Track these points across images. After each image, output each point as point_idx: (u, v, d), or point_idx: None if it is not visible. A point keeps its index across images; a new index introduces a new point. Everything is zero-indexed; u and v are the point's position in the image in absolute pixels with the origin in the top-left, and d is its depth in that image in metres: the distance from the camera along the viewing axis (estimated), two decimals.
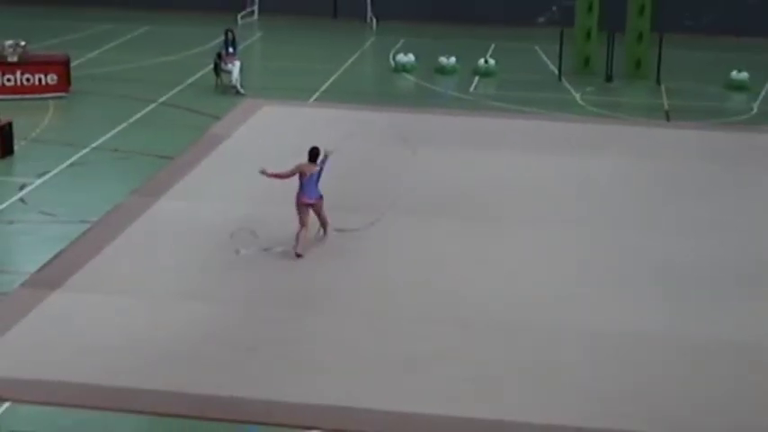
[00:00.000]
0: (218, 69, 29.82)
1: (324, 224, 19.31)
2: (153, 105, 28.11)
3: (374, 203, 20.40)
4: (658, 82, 31.55)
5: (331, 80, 31.42)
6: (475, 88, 31.14)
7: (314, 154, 19.06)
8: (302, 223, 18.86)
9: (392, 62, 33.40)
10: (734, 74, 31.56)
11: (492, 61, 32.65)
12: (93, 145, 24.59)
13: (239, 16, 39.27)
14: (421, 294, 17.37)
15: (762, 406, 14.44)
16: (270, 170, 19.03)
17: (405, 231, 19.71)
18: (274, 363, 15.15)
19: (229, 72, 29.53)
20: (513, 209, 21.06)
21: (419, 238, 19.48)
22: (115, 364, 14.96)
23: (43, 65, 28.59)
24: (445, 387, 14.63)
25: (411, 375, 14.90)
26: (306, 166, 18.97)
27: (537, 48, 35.54)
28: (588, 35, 32.67)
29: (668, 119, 28.41)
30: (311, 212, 19.04)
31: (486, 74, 32.28)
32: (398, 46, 35.29)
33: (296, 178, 18.96)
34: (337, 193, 20.55)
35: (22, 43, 28.80)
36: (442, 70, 32.48)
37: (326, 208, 19.25)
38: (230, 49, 29.83)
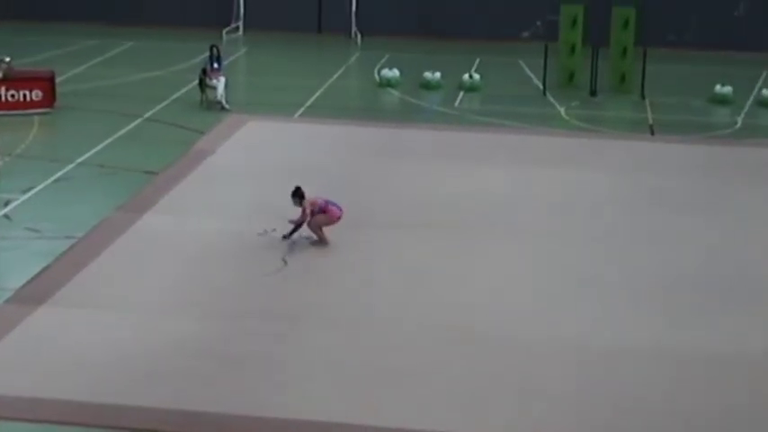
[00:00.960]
0: (203, 85, 29.82)
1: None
2: (138, 121, 28.10)
3: (358, 217, 20.39)
4: (642, 96, 31.66)
5: (316, 95, 31.46)
6: (460, 103, 31.21)
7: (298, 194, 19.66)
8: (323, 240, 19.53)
9: (377, 77, 33.45)
10: (718, 88, 31.68)
11: (477, 76, 32.72)
12: (79, 160, 24.56)
13: (224, 32, 39.29)
14: (405, 309, 17.36)
15: (752, 420, 14.46)
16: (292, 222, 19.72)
17: (389, 245, 19.72)
18: (260, 378, 15.12)
19: (214, 87, 29.53)
20: (498, 223, 21.08)
21: (403, 252, 19.48)
22: (101, 380, 14.91)
23: (28, 81, 28.56)
24: (430, 402, 14.60)
25: (396, 390, 14.88)
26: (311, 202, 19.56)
27: (521, 62, 35.64)
28: (573, 50, 32.78)
29: (653, 133, 28.50)
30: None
31: (470, 88, 32.35)
32: (383, 61, 35.35)
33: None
34: None
35: (7, 59, 28.76)
36: (427, 85, 32.54)
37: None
38: (215, 65, 29.85)
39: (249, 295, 17.75)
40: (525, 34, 39.00)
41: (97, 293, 17.64)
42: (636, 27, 32.50)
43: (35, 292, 17.54)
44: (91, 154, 25.06)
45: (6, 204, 21.75)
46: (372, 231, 20.26)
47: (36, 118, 27.97)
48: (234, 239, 19.85)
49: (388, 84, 32.71)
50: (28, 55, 33.65)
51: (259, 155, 24.88)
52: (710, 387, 15.21)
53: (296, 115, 29.27)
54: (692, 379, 15.40)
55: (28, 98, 28.38)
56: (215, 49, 30.12)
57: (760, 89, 32.20)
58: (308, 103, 30.58)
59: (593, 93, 32.00)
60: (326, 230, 19.62)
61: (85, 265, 18.61)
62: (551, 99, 31.51)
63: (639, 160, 25.35)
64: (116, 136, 26.63)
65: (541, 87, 32.28)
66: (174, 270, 18.64)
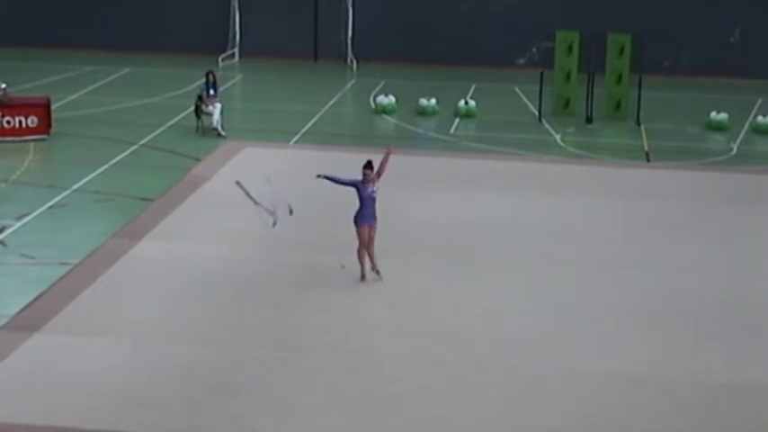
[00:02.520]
0: (198, 111, 29.85)
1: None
2: (134, 147, 28.10)
3: (353, 244, 20.36)
4: (638, 123, 31.70)
5: (312, 122, 31.48)
6: (455, 129, 31.23)
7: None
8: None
9: (373, 104, 33.48)
10: (713, 114, 31.74)
11: (472, 102, 32.76)
12: (74, 187, 24.55)
13: (220, 58, 39.34)
14: (402, 335, 17.32)
15: None
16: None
17: (385, 272, 19.66)
18: (254, 405, 15.07)
19: (210, 114, 29.56)
20: (493, 249, 21.05)
21: (399, 278, 19.43)
22: (96, 407, 14.86)
23: (24, 107, 28.58)
24: (428, 428, 14.56)
25: (394, 416, 14.84)
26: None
27: (517, 89, 35.69)
28: (568, 76, 32.83)
29: (648, 159, 28.52)
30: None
31: (466, 115, 32.39)
32: (379, 88, 35.40)
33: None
34: (315, 234, 20.59)
35: (3, 85, 28.81)
36: (423, 112, 32.58)
37: (304, 248, 19.18)
38: (211, 92, 29.88)
39: (244, 323, 17.70)
40: (521, 61, 39.08)
41: (92, 320, 17.59)
42: (631, 54, 32.56)
43: (30, 319, 17.48)
44: (86, 180, 25.05)
45: (1, 230, 21.73)
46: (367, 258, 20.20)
47: (32, 144, 27.97)
48: (230, 266, 19.80)
49: (383, 110, 32.74)
50: (24, 81, 33.69)
51: (255, 181, 24.81)
52: (707, 415, 15.17)
53: (292, 142, 29.29)
54: (689, 407, 15.36)
55: (24, 124, 28.39)
56: (211, 76, 30.15)
57: (755, 116, 32.25)
58: (304, 129, 30.60)
59: (588, 119, 32.04)
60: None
61: (80, 292, 18.56)
62: (547, 126, 31.54)
63: (635, 187, 25.34)
64: (112, 162, 26.63)
65: (537, 114, 32.31)
66: (169, 297, 18.60)
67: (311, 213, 22.23)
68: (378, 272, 19.18)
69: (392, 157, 19.41)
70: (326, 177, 19.20)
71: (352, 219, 19.11)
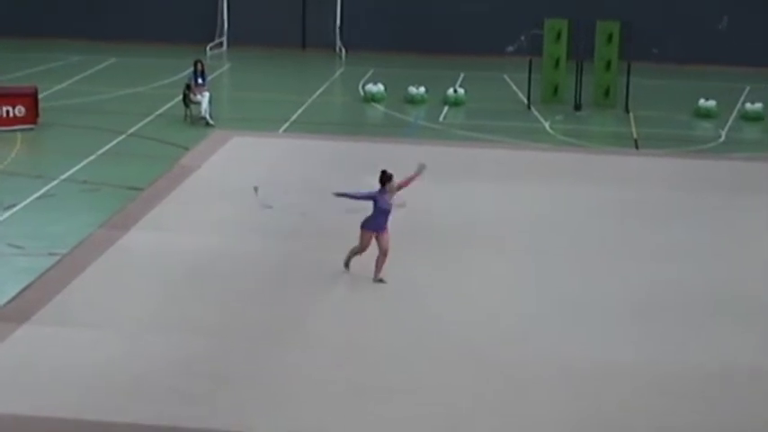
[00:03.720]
0: (187, 101, 29.79)
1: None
2: (122, 137, 28.04)
3: (341, 233, 20.35)
4: (627, 110, 31.72)
5: (300, 110, 31.44)
6: (444, 117, 31.21)
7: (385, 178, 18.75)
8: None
9: (361, 92, 33.44)
10: (702, 102, 31.77)
11: (461, 90, 32.75)
12: (62, 177, 24.48)
13: (208, 47, 39.26)
14: (390, 326, 17.31)
15: None
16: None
17: (372, 261, 19.60)
18: (246, 394, 15.05)
19: (199, 103, 29.50)
20: (482, 238, 21.02)
21: (387, 268, 19.38)
22: (85, 398, 14.83)
23: (11, 97, 28.48)
24: (415, 420, 14.55)
25: (382, 407, 14.82)
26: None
27: (506, 77, 35.68)
28: (557, 64, 32.81)
29: (637, 147, 28.54)
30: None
31: (455, 103, 32.37)
32: (368, 76, 35.35)
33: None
34: (305, 224, 20.57)
35: None
36: (412, 100, 32.55)
37: (294, 238, 19.12)
38: (199, 80, 29.82)
39: (233, 313, 17.66)
40: (510, 49, 39.03)
41: (81, 311, 17.55)
42: (620, 41, 32.55)
43: (18, 310, 17.44)
44: (74, 170, 24.99)
45: None
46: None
47: (19, 134, 27.88)
48: (219, 256, 19.76)
49: (372, 99, 32.70)
50: (11, 71, 33.61)
51: (244, 170, 24.81)
52: (697, 404, 15.17)
53: (280, 130, 29.25)
54: (678, 396, 15.36)
55: (11, 114, 28.31)
56: (199, 65, 30.09)
57: (743, 103, 32.29)
58: (293, 118, 30.56)
59: (577, 107, 32.05)
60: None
61: (69, 283, 18.52)
62: (536, 113, 31.54)
63: (624, 174, 25.35)
64: (100, 152, 26.56)
65: (526, 102, 32.31)
66: (158, 287, 18.56)
67: (301, 204, 22.22)
68: (381, 280, 18.84)
69: (419, 178, 19.04)
70: (344, 195, 18.93)
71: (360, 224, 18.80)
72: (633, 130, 30.14)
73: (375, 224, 18.68)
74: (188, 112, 29.70)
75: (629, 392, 15.38)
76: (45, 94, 30.83)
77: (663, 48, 38.31)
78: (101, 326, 16.99)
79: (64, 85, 33.62)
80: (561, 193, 23.60)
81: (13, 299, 17.94)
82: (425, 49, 39.18)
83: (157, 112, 30.52)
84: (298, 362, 16.04)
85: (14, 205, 22.57)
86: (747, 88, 34.58)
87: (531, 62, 32.14)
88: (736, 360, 16.39)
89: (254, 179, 22.90)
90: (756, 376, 15.92)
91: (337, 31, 39.71)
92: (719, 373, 15.98)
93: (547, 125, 30.38)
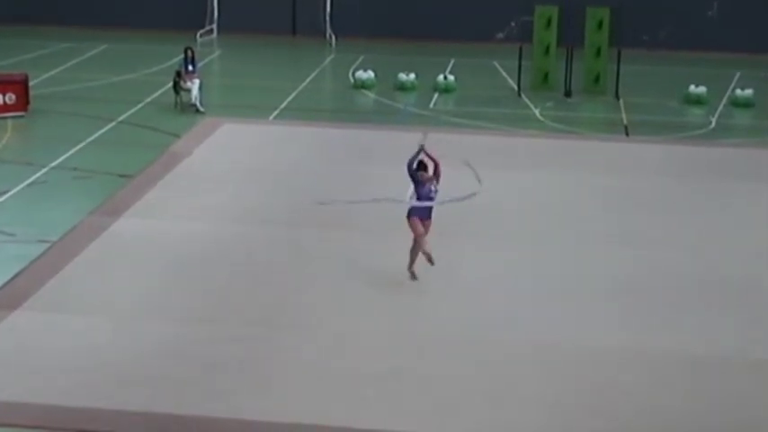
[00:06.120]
0: (177, 88, 29.74)
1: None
2: (112, 124, 28.01)
3: (333, 220, 20.39)
4: (617, 97, 31.75)
5: (291, 97, 31.42)
6: (434, 104, 31.22)
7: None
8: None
9: (352, 79, 33.42)
10: (692, 88, 31.79)
11: (451, 77, 32.75)
12: (53, 164, 24.45)
13: (198, 34, 39.19)
14: (381, 312, 17.34)
15: (721, 417, 14.50)
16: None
17: (366, 248, 19.69)
18: (237, 380, 15.08)
19: (189, 90, 29.47)
20: (472, 224, 21.04)
21: (380, 254, 19.44)
22: (76, 385, 14.85)
23: (1, 84, 28.38)
24: (405, 404, 14.59)
25: (371, 392, 14.85)
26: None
27: (496, 63, 35.68)
28: (547, 51, 32.82)
29: (627, 133, 28.57)
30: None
31: (445, 90, 32.38)
32: (358, 63, 35.33)
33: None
34: (297, 211, 20.59)
35: None
36: (402, 86, 32.55)
37: (286, 225, 19.10)
38: (190, 67, 29.78)
39: (225, 300, 17.69)
40: (500, 35, 39.02)
41: (72, 298, 17.56)
42: (610, 27, 32.56)
43: (9, 297, 17.45)
44: (65, 157, 24.96)
45: None
46: (348, 234, 20.22)
47: (9, 121, 27.83)
48: (210, 243, 19.79)
49: (362, 85, 32.69)
50: (1, 58, 33.50)
51: (234, 157, 24.83)
52: (684, 388, 15.24)
53: (271, 117, 29.23)
54: (666, 380, 15.43)
55: (1, 102, 28.22)
56: (189, 52, 30.04)
57: (733, 89, 32.32)
58: (283, 105, 30.54)
59: (567, 93, 32.07)
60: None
61: (60, 270, 18.53)
62: (526, 100, 31.56)
63: (614, 161, 25.40)
64: (90, 139, 26.53)
65: (516, 88, 32.32)
66: (149, 274, 18.58)
67: (293, 190, 22.24)
68: (413, 274, 18.40)
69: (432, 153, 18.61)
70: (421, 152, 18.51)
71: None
72: (623, 116, 30.17)
73: (420, 210, 18.24)
74: (178, 100, 29.66)
75: (619, 375, 15.44)
76: (35, 81, 30.77)
77: (653, 34, 38.33)
78: (92, 312, 17.01)
79: (54, 72, 33.55)
80: (551, 180, 23.65)
81: (4, 286, 17.93)
82: (415, 36, 39.16)
83: (148, 100, 30.48)
84: (289, 348, 16.07)
85: (5, 192, 22.54)
86: (737, 74, 34.62)
87: (521, 49, 32.14)
88: (722, 342, 16.48)
89: (245, 165, 22.86)
90: (741, 358, 16.01)
91: (327, 17, 39.67)
92: (705, 354, 16.06)
93: (537, 112, 30.39)
